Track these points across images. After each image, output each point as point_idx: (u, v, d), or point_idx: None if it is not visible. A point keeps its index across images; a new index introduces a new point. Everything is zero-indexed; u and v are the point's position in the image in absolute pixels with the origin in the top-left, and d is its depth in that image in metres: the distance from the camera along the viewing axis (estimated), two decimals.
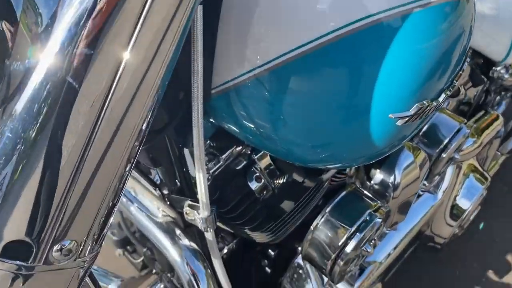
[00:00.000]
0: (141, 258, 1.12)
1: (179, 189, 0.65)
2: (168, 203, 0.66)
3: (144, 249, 0.94)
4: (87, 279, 0.49)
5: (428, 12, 0.47)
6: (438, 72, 0.52)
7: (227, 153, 0.73)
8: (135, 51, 0.33)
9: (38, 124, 0.31)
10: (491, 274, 1.50)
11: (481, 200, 1.28)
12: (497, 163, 1.56)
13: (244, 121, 0.57)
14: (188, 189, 0.66)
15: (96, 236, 0.35)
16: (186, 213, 0.63)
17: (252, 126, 0.57)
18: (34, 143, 0.31)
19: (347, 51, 0.47)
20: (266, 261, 1.04)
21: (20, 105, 0.31)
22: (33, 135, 0.31)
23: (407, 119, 0.52)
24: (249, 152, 0.77)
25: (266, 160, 0.80)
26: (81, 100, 0.32)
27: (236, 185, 0.78)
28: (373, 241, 0.77)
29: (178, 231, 0.65)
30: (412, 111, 0.51)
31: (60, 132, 0.31)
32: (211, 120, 0.63)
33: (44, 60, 0.32)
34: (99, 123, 0.32)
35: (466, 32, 0.53)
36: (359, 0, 0.46)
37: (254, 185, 0.81)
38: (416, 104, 0.51)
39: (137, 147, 0.36)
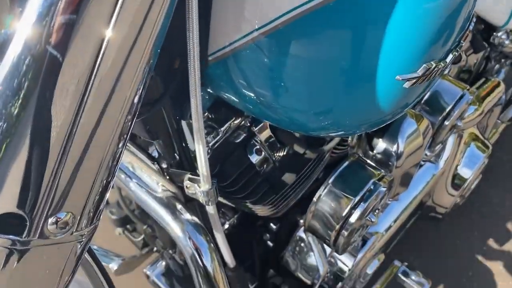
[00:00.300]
0: (142, 237, 1.11)
1: (178, 163, 0.63)
2: (167, 177, 0.64)
3: (145, 227, 0.93)
4: (88, 257, 0.47)
5: None
6: (445, 31, 0.50)
7: (226, 126, 0.71)
8: (122, 16, 0.31)
9: (21, 100, 0.29)
10: (491, 242, 1.51)
11: (482, 169, 1.27)
12: (497, 131, 1.55)
13: (243, 90, 0.55)
14: (188, 163, 0.64)
15: (93, 209, 0.33)
16: (186, 187, 0.61)
17: (252, 94, 0.55)
18: (18, 119, 0.29)
19: (350, 10, 0.44)
20: (267, 235, 1.03)
21: None
22: (16, 111, 0.29)
23: (414, 80, 0.49)
24: (248, 124, 0.75)
25: (266, 133, 0.78)
26: (66, 72, 0.29)
27: (236, 158, 0.76)
28: (377, 211, 0.76)
29: (179, 206, 0.63)
30: (419, 72, 0.49)
31: (46, 107, 0.29)
32: (209, 90, 0.61)
33: (23, 30, 0.29)
34: (87, 94, 0.30)
35: None
36: None
37: (254, 158, 0.79)
38: (424, 65, 0.49)
39: (131, 118, 0.34)
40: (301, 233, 1.01)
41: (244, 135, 0.77)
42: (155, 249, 1.16)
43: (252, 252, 1.02)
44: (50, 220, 0.31)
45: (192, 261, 0.64)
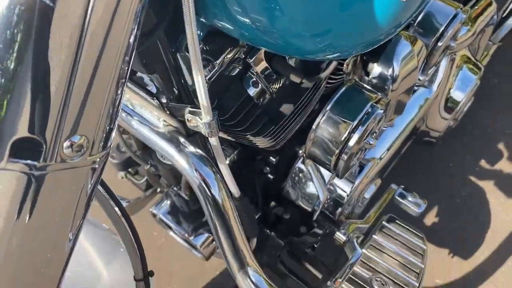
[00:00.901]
0: (144, 179, 1.13)
1: (177, 97, 0.63)
2: (168, 112, 0.64)
3: (147, 167, 0.94)
4: (101, 189, 0.48)
5: None
6: None
7: (221, 58, 0.70)
8: None
9: (24, 26, 0.28)
10: (483, 163, 1.55)
11: (474, 91, 1.29)
12: (488, 54, 1.55)
13: (238, 16, 0.54)
14: (187, 96, 0.64)
15: (105, 133, 0.34)
16: (188, 120, 0.62)
17: (247, 19, 0.54)
18: (25, 45, 0.29)
19: None
20: (268, 168, 1.06)
21: None
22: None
23: None
24: (243, 56, 0.75)
25: (262, 64, 0.78)
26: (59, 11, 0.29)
27: (233, 91, 0.76)
28: (374, 134, 0.77)
29: (182, 139, 0.64)
30: None
31: (51, 31, 0.29)
32: (202, 20, 0.60)
33: None
34: (87, 21, 0.30)
35: None
36: None
37: (251, 91, 0.79)
38: None
39: (132, 41, 0.34)
40: (300, 164, 1.04)
41: (240, 67, 0.77)
42: (158, 190, 1.19)
43: (254, 185, 1.05)
44: (65, 144, 0.31)
45: (201, 191, 0.66)
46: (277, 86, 0.82)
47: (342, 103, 0.74)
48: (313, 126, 0.77)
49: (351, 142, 0.73)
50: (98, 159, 0.35)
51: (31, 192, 0.32)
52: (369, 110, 0.73)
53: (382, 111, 0.74)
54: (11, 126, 0.29)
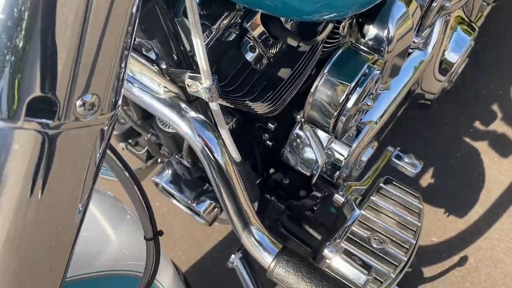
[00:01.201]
0: (145, 149, 1.15)
1: (177, 63, 0.64)
2: (168, 78, 0.65)
3: (149, 135, 0.95)
4: (109, 152, 0.50)
5: None
6: None
7: (218, 22, 0.71)
8: None
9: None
10: (478, 124, 1.58)
11: (469, 52, 1.30)
12: (482, 15, 1.55)
13: None
14: (186, 62, 0.64)
15: (114, 92, 0.35)
16: (188, 85, 0.62)
17: None
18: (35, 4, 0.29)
19: None
20: (266, 135, 1.07)
21: None
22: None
23: None
24: (240, 20, 0.75)
25: (259, 29, 0.78)
26: None
27: (231, 57, 0.77)
28: (372, 95, 0.79)
29: (183, 105, 0.65)
30: None
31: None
32: None
33: None
34: None
35: None
36: None
37: (249, 56, 0.80)
38: None
39: (137, 5, 0.35)
40: (297, 130, 1.05)
41: (237, 32, 0.77)
42: (159, 160, 1.21)
43: (253, 151, 1.07)
44: (78, 102, 0.32)
45: (204, 156, 0.67)
46: (274, 50, 0.82)
47: (340, 65, 0.75)
48: (312, 90, 0.78)
49: (350, 104, 0.74)
50: (108, 119, 0.36)
51: (46, 151, 0.33)
52: (366, 71, 0.74)
53: (379, 71, 0.75)
54: (27, 86, 0.30)
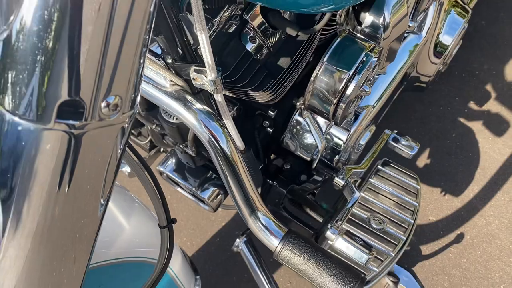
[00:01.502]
0: (148, 139, 1.17)
1: (182, 57, 0.66)
2: (173, 72, 0.67)
3: (153, 126, 0.97)
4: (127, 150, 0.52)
5: None
6: None
7: (219, 15, 0.73)
8: None
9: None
10: (472, 105, 1.61)
11: (463, 34, 1.32)
12: None
13: None
14: (190, 56, 0.67)
15: (134, 93, 0.38)
16: (193, 78, 0.65)
17: None
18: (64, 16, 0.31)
19: None
20: (266, 122, 1.10)
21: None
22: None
23: None
24: (240, 12, 0.77)
25: (259, 19, 0.80)
26: None
27: (232, 48, 0.79)
28: (369, 81, 0.81)
29: (189, 97, 0.68)
30: None
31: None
32: None
33: None
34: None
35: None
36: None
37: (249, 46, 0.82)
38: None
39: (152, 12, 0.37)
40: (297, 116, 1.08)
41: (237, 24, 0.79)
42: (162, 150, 1.23)
43: (255, 139, 1.09)
44: (103, 104, 0.35)
45: (210, 145, 0.70)
46: (273, 40, 0.84)
47: (338, 54, 0.77)
48: (312, 78, 0.80)
49: (349, 91, 0.77)
50: (128, 117, 0.38)
51: (72, 149, 0.36)
52: (364, 59, 0.76)
53: (376, 59, 0.77)
54: (56, 90, 0.33)
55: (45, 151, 0.35)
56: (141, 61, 0.37)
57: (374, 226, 1.02)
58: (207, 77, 0.64)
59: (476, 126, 1.55)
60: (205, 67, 0.63)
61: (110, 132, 0.38)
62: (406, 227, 1.03)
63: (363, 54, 0.76)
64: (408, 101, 1.57)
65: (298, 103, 1.04)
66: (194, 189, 1.10)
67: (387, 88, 1.18)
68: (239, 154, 0.72)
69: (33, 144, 0.35)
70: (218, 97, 0.67)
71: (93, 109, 0.35)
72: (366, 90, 0.80)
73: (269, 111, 1.07)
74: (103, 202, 0.43)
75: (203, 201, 1.12)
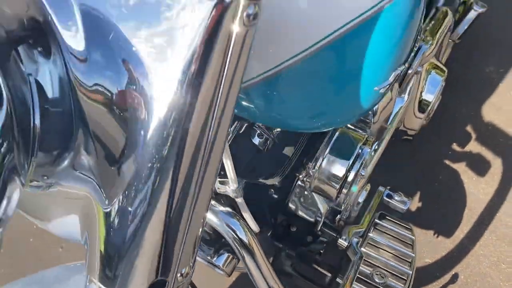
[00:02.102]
0: None
1: None
2: None
3: None
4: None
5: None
6: (404, 44, 0.63)
7: (234, 125, 0.84)
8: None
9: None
10: (455, 146, 1.73)
11: (441, 90, 1.45)
12: (448, 48, 1.71)
13: (256, 109, 0.68)
14: None
15: (194, 257, 0.48)
16: (217, 188, 0.76)
17: (259, 111, 0.67)
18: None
19: (341, 49, 0.57)
20: (272, 190, 1.20)
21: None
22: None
23: (387, 86, 0.63)
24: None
25: None
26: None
27: (245, 148, 0.90)
28: (366, 167, 0.93)
29: (212, 201, 0.79)
30: (391, 79, 0.63)
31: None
32: None
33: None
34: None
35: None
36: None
37: (257, 141, 0.93)
38: (393, 73, 0.63)
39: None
40: (299, 182, 1.19)
41: (246, 124, 0.91)
42: None
43: (262, 205, 1.20)
44: (179, 278, 0.45)
45: (229, 237, 0.81)
46: (277, 132, 0.96)
47: (338, 147, 0.89)
48: (316, 167, 0.92)
49: (349, 178, 0.88)
50: (190, 277, 0.49)
51: None
52: (359, 152, 0.88)
53: (369, 149, 0.89)
54: (147, 272, 0.43)
55: None
56: (204, 222, 0.48)
57: (377, 280, 1.13)
58: (230, 187, 0.75)
59: (460, 167, 1.68)
60: (227, 178, 0.74)
61: None
62: (406, 278, 1.14)
63: (358, 147, 0.88)
64: (397, 153, 1.69)
65: (300, 176, 1.15)
66: (209, 257, 1.19)
67: (379, 153, 1.30)
68: (256, 240, 0.82)
69: None
70: (239, 200, 0.78)
71: (174, 284, 0.45)
72: (363, 174, 0.91)
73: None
74: None
75: (218, 267, 1.21)
